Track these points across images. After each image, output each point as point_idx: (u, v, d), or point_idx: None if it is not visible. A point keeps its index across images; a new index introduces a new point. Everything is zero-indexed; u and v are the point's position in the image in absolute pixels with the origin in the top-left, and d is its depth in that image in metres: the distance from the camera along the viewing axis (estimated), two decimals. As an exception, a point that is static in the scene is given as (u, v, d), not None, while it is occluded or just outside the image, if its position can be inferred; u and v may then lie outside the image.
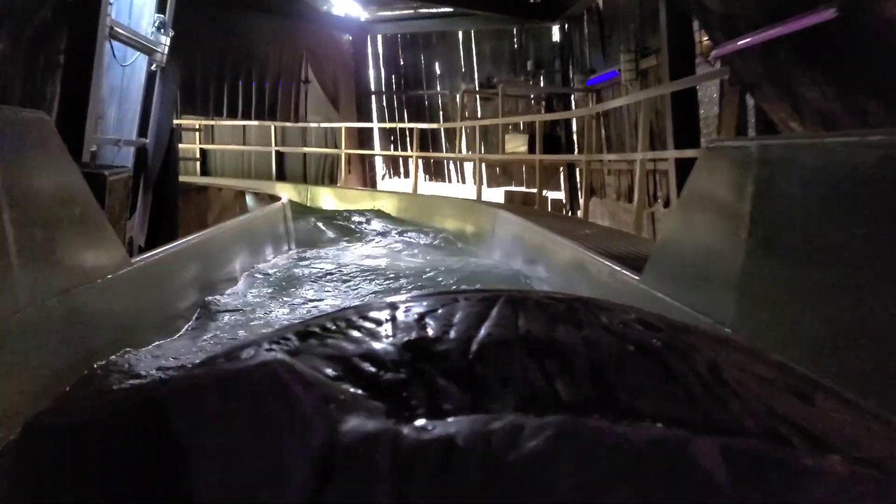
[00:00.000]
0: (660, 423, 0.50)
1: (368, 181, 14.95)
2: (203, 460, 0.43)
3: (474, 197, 11.25)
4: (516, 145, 11.23)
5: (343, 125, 13.95)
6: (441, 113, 14.38)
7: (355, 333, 0.63)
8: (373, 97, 15.17)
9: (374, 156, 15.12)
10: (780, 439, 0.50)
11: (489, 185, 13.74)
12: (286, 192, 13.60)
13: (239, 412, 0.46)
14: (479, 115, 13.42)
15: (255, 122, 15.02)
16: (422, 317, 0.66)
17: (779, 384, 0.62)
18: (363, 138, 14.86)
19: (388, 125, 14.84)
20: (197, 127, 15.43)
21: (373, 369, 0.56)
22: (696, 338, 0.68)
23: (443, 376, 0.55)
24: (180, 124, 14.89)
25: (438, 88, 14.40)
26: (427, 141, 14.36)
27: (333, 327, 0.65)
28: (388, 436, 0.46)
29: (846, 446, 0.51)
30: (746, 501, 0.43)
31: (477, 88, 13.38)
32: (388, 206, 11.78)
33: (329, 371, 0.55)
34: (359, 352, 0.59)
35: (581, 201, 9.88)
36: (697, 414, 0.52)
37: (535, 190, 13.00)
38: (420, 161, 13.14)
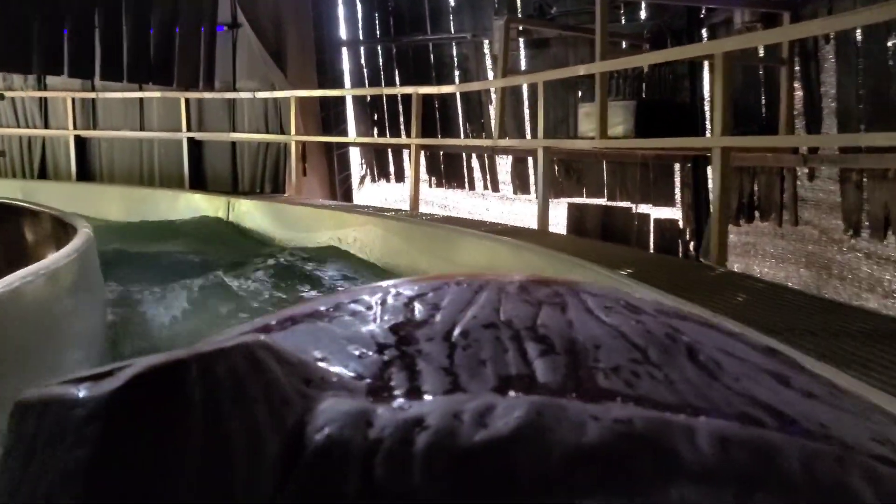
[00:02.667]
0: (633, 403, 0.50)
1: (337, 189, 9.45)
2: (182, 436, 0.44)
3: (524, 220, 5.92)
4: (613, 124, 5.77)
5: (294, 94, 8.48)
6: (457, 72, 8.88)
7: (344, 316, 0.65)
8: (344, 50, 9.70)
9: (346, 146, 9.63)
10: (752, 420, 0.50)
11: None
12: (203, 204, 8.19)
13: (215, 389, 0.45)
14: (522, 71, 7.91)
15: (157, 93, 9.53)
16: (410, 300, 0.67)
17: (760, 368, 0.62)
18: (329, 118, 9.38)
19: (369, 92, 9.33)
20: (69, 100, 9.95)
21: (357, 352, 0.57)
22: (683, 322, 0.68)
23: (424, 359, 0.56)
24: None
25: (452, 31, 8.89)
26: (434, 120, 8.85)
27: (323, 310, 0.66)
28: (361, 414, 0.47)
29: (818, 428, 0.51)
30: (711, 479, 0.43)
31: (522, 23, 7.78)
32: (368, 240, 6.39)
33: (313, 353, 0.56)
34: (345, 334, 0.60)
35: (713, 225, 4.55)
36: (673, 396, 0.52)
37: (624, 204, 7.46)
38: (422, 154, 7.63)
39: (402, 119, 9.30)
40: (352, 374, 0.53)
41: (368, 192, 9.87)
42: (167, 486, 0.44)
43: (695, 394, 0.53)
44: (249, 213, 7.96)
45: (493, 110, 8.64)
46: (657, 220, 7.51)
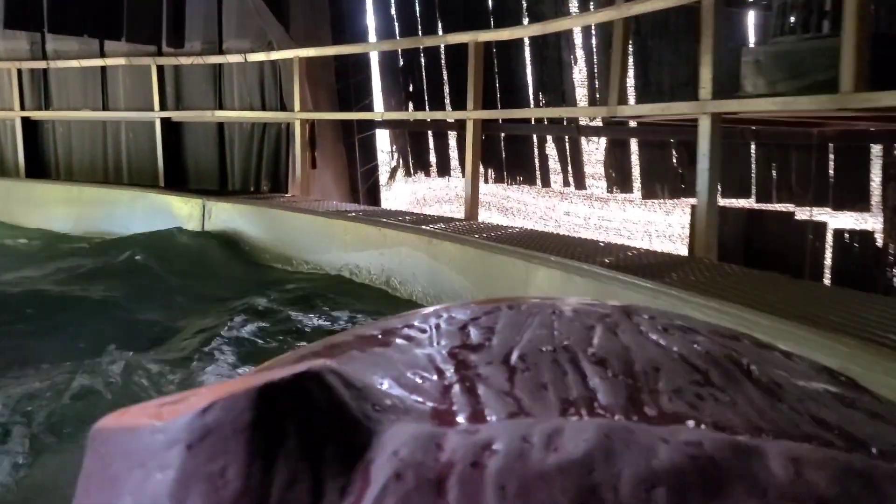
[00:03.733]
0: (701, 426, 0.52)
1: (360, 187, 7.07)
2: (256, 461, 0.46)
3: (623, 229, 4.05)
4: (808, 75, 3.26)
5: (298, 53, 6.11)
6: (526, 20, 6.38)
7: (400, 341, 0.67)
8: (367, -3, 7.27)
9: (371, 127, 7.24)
10: (821, 442, 0.51)
11: (646, 193, 5.81)
12: (174, 208, 5.90)
13: (289, 414, 0.47)
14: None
15: (122, 60, 7.23)
16: (465, 325, 0.70)
17: (822, 388, 0.63)
18: (348, 90, 7.00)
19: (403, 45, 6.95)
20: (14, 72, 7.72)
21: (417, 376, 0.59)
22: (739, 343, 0.71)
23: (484, 382, 0.58)
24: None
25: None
26: (491, 90, 6.41)
27: (377, 335, 0.69)
28: (430, 438, 0.48)
29: (889, 449, 0.52)
30: (785, 501, 0.44)
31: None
32: (402, 270, 3.97)
33: (375, 378, 0.58)
34: (403, 359, 0.62)
35: None
36: (739, 418, 0.54)
37: (783, 207, 5.05)
38: (478, 134, 5.17)
39: (447, 88, 6.86)
40: (414, 399, 0.55)
41: (401, 191, 7.46)
42: None
43: (760, 416, 0.55)
44: (232, 222, 5.60)
45: (577, 72, 6.16)
46: (839, 233, 5.00)
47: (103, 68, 7.65)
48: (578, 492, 0.44)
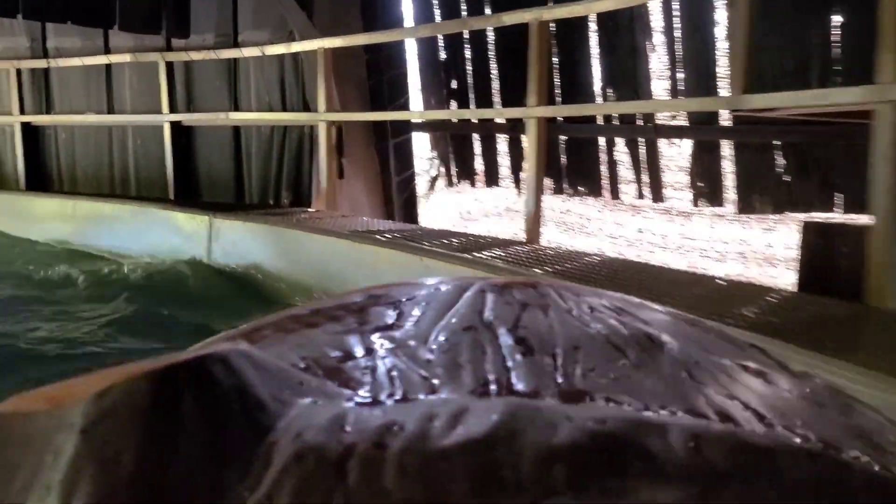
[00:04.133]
0: (608, 403, 0.53)
1: (395, 199, 6.12)
2: (169, 445, 0.46)
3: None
4: None
5: (323, 43, 5.18)
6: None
7: (326, 322, 0.67)
8: (403, -22, 6.32)
9: (407, 130, 6.29)
10: (726, 419, 0.52)
11: (742, 206, 4.75)
12: (179, 226, 5.06)
13: (188, 399, 0.47)
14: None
15: (128, 56, 6.41)
16: (396, 304, 0.70)
17: (740, 366, 0.65)
18: (380, 86, 6.05)
19: (447, 30, 5.99)
20: (13, 72, 6.96)
21: (337, 357, 0.60)
22: (665, 322, 0.71)
23: (402, 363, 0.58)
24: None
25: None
26: (551, 79, 5.40)
27: (306, 315, 0.69)
28: (335, 419, 0.48)
29: (793, 425, 0.53)
30: (682, 477, 0.45)
31: None
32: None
33: (294, 359, 0.58)
34: (326, 340, 0.63)
35: None
36: (649, 395, 0.55)
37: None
38: (542, 136, 4.15)
39: (496, 83, 5.88)
40: (331, 380, 0.56)
41: (441, 204, 6.50)
42: (153, 491, 0.44)
43: (672, 393, 0.56)
44: (243, 244, 4.70)
45: (654, 60, 5.14)
46: None
47: (108, 67, 6.83)
48: (478, 470, 0.45)
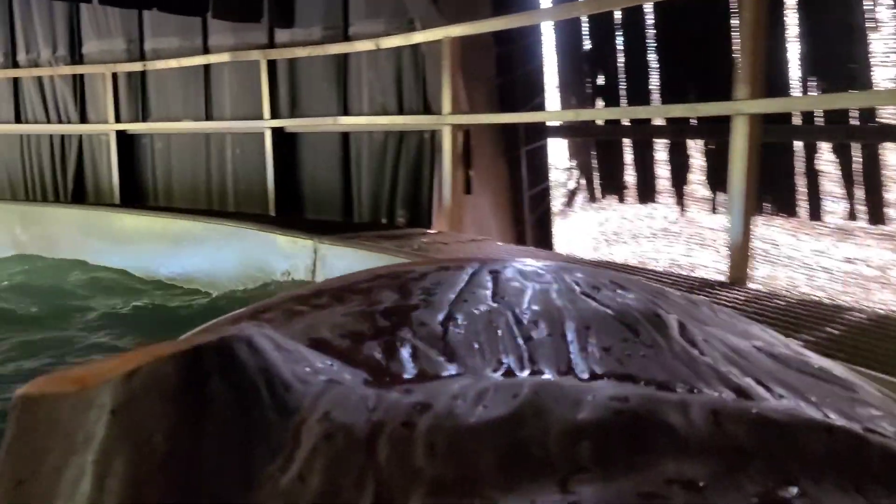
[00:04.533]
0: (627, 381, 0.54)
1: (526, 219, 5.13)
2: (199, 425, 0.47)
3: None
4: None
5: (449, 32, 4.25)
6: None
7: (339, 303, 0.68)
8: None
9: (541, 134, 5.29)
10: (742, 394, 0.53)
11: None
12: (282, 249, 4.27)
13: (215, 379, 0.48)
14: None
15: (227, 56, 5.75)
16: (404, 285, 0.71)
17: (749, 343, 0.66)
18: (512, 85, 5.09)
19: (594, 8, 4.93)
20: (109, 77, 6.44)
21: (354, 336, 0.61)
22: (670, 300, 0.72)
23: (419, 343, 0.60)
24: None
25: None
26: (729, 67, 4.24)
27: (319, 296, 0.70)
28: (362, 399, 0.49)
29: (807, 401, 0.54)
30: (705, 452, 0.46)
31: None
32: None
33: (312, 340, 0.60)
34: (340, 321, 0.64)
35: None
36: (665, 372, 0.56)
37: None
38: (756, 139, 3.07)
39: (657, 76, 4.83)
40: (350, 359, 0.58)
41: (581, 223, 5.46)
42: (187, 471, 0.45)
43: (686, 370, 0.58)
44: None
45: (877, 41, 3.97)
46: None
47: (207, 69, 6.18)
48: (506, 448, 0.46)
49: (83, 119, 6.94)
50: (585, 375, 0.57)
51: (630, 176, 5.19)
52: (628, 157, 5.22)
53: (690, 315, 0.71)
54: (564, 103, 5.35)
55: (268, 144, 5.74)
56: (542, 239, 5.38)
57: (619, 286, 0.75)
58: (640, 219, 5.28)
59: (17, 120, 7.21)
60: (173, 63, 6.26)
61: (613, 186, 5.31)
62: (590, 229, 5.45)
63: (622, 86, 5.06)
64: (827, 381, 0.64)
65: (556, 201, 5.56)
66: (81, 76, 6.91)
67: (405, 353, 0.60)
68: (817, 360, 0.71)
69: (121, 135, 6.71)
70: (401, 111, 5.05)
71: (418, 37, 4.69)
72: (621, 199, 5.29)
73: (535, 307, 0.68)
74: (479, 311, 0.66)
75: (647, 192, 5.16)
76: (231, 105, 6.12)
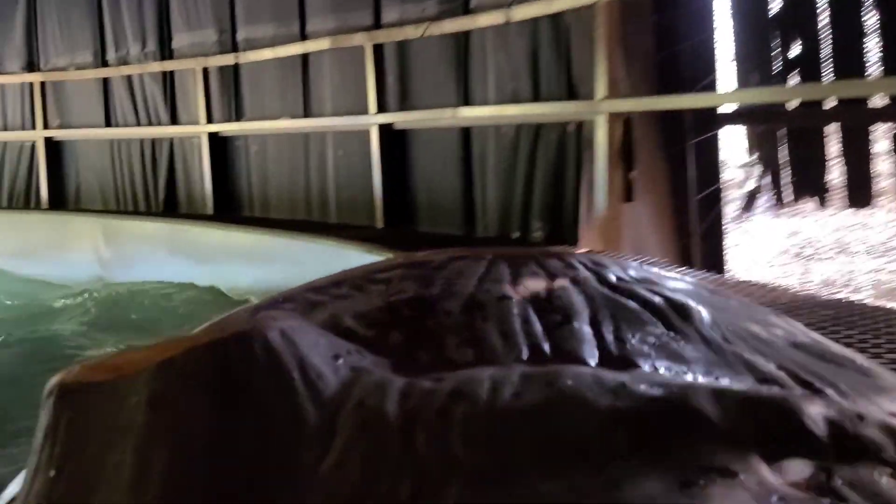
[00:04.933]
0: (659, 371, 0.55)
1: (691, 234, 4.00)
2: (236, 413, 0.47)
3: None
4: None
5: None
6: None
7: (362, 293, 0.68)
8: None
9: (711, 123, 4.13)
10: (771, 382, 0.55)
11: None
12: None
13: (248, 368, 0.49)
14: None
15: (326, 42, 4.93)
16: (424, 275, 0.71)
17: (772, 332, 0.67)
18: (676, 61, 3.97)
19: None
20: (199, 72, 5.80)
21: (380, 325, 0.61)
22: (693, 288, 0.73)
23: (446, 331, 0.60)
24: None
25: None
26: None
27: (339, 289, 0.69)
28: (396, 387, 0.49)
29: (833, 388, 0.55)
30: (738, 439, 0.47)
31: None
32: None
33: (337, 329, 0.60)
34: (364, 310, 0.64)
35: None
36: (695, 361, 0.57)
37: None
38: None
39: (882, 36, 3.64)
40: (376, 348, 0.58)
41: (763, 233, 4.30)
42: (226, 459, 0.46)
43: (712, 359, 0.59)
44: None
45: None
46: None
47: (305, 59, 5.40)
48: (542, 436, 0.46)
49: (174, 120, 6.33)
50: (615, 364, 0.57)
51: (835, 173, 4.01)
52: (832, 148, 4.03)
53: (712, 304, 0.72)
54: (744, 82, 4.21)
55: (374, 144, 4.90)
56: (713, 254, 4.28)
57: (643, 277, 0.75)
58: (848, 228, 4.09)
59: (108, 124, 6.71)
60: (268, 53, 5.53)
61: (811, 186, 4.14)
62: (775, 241, 4.31)
63: (826, 56, 3.89)
64: (849, 368, 0.64)
65: (731, 206, 4.42)
66: (171, 73, 6.29)
67: (430, 341, 0.60)
68: (838, 348, 0.71)
69: (213, 137, 6.04)
70: (537, 98, 4.06)
71: (561, 2, 3.69)
72: (822, 203, 4.11)
73: (559, 297, 0.67)
74: (502, 300, 0.66)
75: (859, 194, 3.97)
76: (332, 99, 5.32)
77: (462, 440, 0.46)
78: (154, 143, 6.47)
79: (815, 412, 0.49)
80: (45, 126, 6.90)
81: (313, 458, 0.47)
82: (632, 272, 0.76)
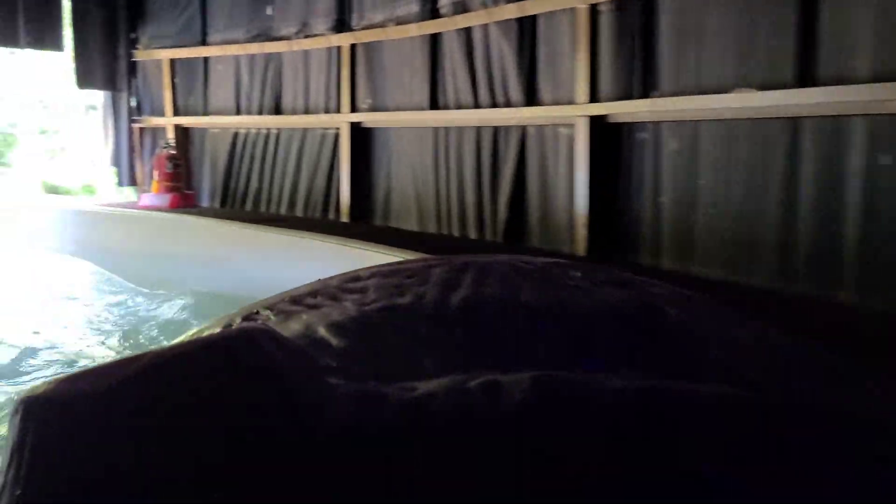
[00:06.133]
0: (635, 375, 0.53)
1: None
2: (205, 426, 0.46)
3: None
4: None
5: None
6: None
7: (337, 302, 0.67)
8: None
9: None
10: (749, 386, 0.54)
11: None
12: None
13: (231, 376, 0.48)
14: None
15: (483, 14, 3.61)
16: (399, 284, 0.69)
17: (744, 334, 0.67)
18: None
19: None
20: (347, 47, 4.60)
21: (354, 334, 0.59)
22: (667, 294, 0.71)
23: (420, 339, 0.59)
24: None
25: None
26: None
27: (315, 298, 0.67)
28: (372, 397, 0.48)
29: (808, 391, 0.55)
30: (713, 443, 0.45)
31: None
32: None
33: (313, 338, 0.59)
34: (339, 319, 0.62)
35: None
36: (671, 365, 0.56)
37: None
38: None
39: None
40: (354, 356, 0.57)
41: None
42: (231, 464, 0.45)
43: (686, 361, 0.58)
44: None
45: None
46: None
47: (434, 36, 4.11)
48: (519, 444, 0.45)
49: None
50: (590, 368, 0.56)
51: None
52: None
53: (685, 308, 0.70)
54: None
55: (582, 145, 3.46)
56: None
57: (619, 282, 0.73)
58: None
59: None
60: (413, 31, 4.23)
61: None
62: None
63: None
64: (827, 367, 0.64)
65: None
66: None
67: (408, 350, 0.58)
68: (816, 349, 0.71)
69: (355, 129, 4.78)
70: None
71: None
72: None
73: (535, 302, 0.65)
74: (478, 307, 0.64)
75: None
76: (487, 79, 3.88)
77: (439, 447, 0.45)
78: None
79: (787, 416, 0.52)
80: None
81: (290, 467, 0.46)
82: (607, 276, 0.75)
